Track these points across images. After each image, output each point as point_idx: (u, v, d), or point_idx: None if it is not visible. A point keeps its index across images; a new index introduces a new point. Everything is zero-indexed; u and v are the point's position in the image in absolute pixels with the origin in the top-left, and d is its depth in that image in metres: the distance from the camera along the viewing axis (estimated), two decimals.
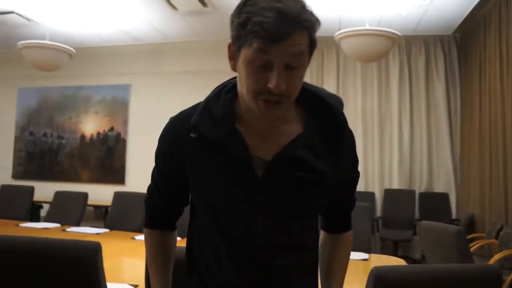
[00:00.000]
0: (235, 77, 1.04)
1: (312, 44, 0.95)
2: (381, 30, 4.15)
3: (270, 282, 1.03)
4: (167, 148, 1.09)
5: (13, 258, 1.19)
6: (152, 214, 1.20)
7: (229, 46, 0.98)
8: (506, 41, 4.37)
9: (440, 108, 5.90)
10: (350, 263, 1.24)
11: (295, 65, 0.92)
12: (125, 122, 7.00)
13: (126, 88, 7.05)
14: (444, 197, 5.73)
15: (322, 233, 1.25)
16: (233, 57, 0.98)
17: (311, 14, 0.93)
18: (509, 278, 2.98)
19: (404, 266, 1.39)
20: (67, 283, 1.23)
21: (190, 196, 1.15)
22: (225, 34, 5.64)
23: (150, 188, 1.19)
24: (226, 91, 1.05)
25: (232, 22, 0.95)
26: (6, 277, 1.23)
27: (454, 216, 5.68)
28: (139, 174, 6.51)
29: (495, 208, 4.50)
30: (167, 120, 1.13)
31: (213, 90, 1.08)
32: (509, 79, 4.28)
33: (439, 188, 5.84)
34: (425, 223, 2.43)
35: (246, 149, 1.00)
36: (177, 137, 1.06)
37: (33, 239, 1.21)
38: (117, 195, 4.28)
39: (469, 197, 5.31)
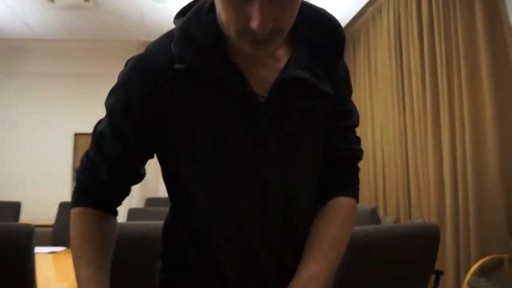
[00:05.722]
0: None
1: None
2: None
3: (290, 224, 0.87)
4: (140, 92, 0.79)
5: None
6: (92, 189, 0.88)
7: None
8: None
9: None
10: None
11: None
12: None
13: None
14: None
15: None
16: None
17: None
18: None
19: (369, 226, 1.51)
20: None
21: (162, 172, 0.90)
22: (105, 34, 5.33)
23: (90, 157, 0.88)
24: (207, 9, 0.80)
25: None
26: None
27: None
28: None
29: None
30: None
31: (183, 8, 0.82)
32: None
33: None
34: None
35: (244, 78, 0.79)
36: (155, 74, 0.79)
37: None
38: None
39: None
